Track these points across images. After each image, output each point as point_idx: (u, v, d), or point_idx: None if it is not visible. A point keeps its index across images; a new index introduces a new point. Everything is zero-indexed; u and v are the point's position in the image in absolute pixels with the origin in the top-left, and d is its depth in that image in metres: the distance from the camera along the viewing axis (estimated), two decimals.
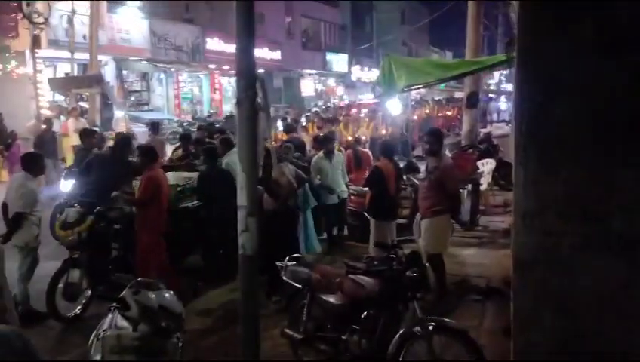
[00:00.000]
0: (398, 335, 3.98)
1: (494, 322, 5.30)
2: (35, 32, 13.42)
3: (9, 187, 5.98)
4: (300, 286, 4.64)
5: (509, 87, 29.16)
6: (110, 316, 3.61)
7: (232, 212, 6.25)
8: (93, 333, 3.63)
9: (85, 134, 7.55)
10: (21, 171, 6.07)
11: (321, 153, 8.00)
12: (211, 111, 25.15)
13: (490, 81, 30.50)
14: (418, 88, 11.99)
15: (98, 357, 3.26)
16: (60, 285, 5.63)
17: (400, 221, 7.34)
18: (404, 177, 7.71)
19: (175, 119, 22.26)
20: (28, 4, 13.24)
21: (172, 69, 23.62)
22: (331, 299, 4.38)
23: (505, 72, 26.26)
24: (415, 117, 19.45)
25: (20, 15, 13.70)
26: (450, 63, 11.09)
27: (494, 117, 25.55)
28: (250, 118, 3.66)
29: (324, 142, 8.17)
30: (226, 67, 25.98)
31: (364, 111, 19.75)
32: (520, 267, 2.78)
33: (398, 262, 4.17)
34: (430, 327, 3.94)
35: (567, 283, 2.62)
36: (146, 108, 23.19)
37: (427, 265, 4.23)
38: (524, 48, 2.76)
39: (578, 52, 2.52)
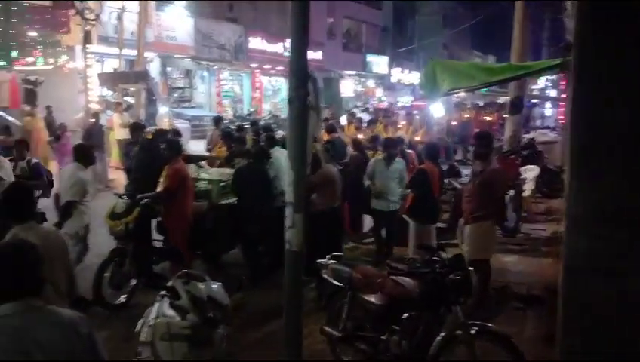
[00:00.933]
0: (439, 338, 3.97)
1: (535, 330, 5.23)
2: (87, 28, 13.86)
3: (61, 178, 6.23)
4: (340, 284, 4.68)
5: (555, 92, 28.54)
6: (157, 304, 3.72)
7: (269, 208, 6.42)
8: (141, 320, 3.76)
9: (135, 128, 7.75)
10: (72, 162, 6.32)
11: (380, 156, 7.63)
12: (251, 109, 25.45)
13: (534, 87, 29.86)
14: (461, 92, 11.89)
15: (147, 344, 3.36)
16: (107, 274, 5.82)
17: (439, 225, 7.30)
18: (446, 181, 7.66)
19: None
20: (81, 1, 13.68)
21: (215, 67, 23.99)
22: (372, 298, 4.40)
23: (551, 78, 25.71)
24: (454, 122, 19.25)
25: (73, 11, 14.17)
26: (496, 67, 10.96)
27: (538, 123, 25.06)
28: (300, 117, 3.72)
29: (388, 146, 7.62)
30: (267, 66, 26.25)
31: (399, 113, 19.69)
32: (569, 272, 2.77)
33: (441, 265, 4.16)
34: (472, 332, 3.92)
35: (616, 288, 2.60)
36: (187, 104, 23.65)
37: (471, 269, 4.18)
38: (582, 53, 2.74)
39: None
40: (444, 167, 8.76)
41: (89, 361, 2.10)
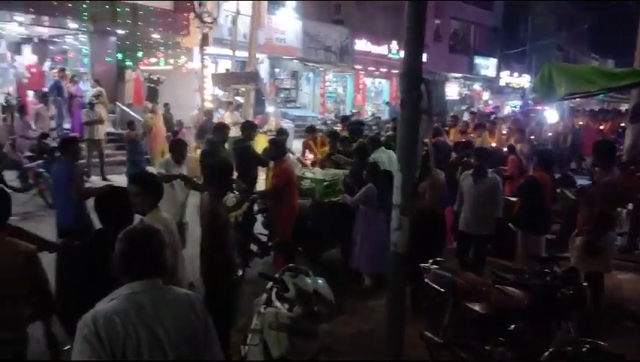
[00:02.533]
0: (547, 353, 3.80)
1: None
2: (205, 31, 14.67)
3: (157, 169, 6.58)
4: (442, 290, 4.62)
5: None
6: (266, 295, 3.90)
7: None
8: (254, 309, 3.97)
9: (246, 127, 8.10)
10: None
11: (469, 171, 6.57)
12: (354, 110, 25.66)
13: None
14: (578, 97, 11.22)
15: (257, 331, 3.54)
16: None
17: (550, 236, 6.95)
18: (558, 190, 7.27)
19: (319, 117, 23.08)
20: (200, 5, 14.53)
21: (320, 69, 24.47)
22: (476, 307, 4.30)
23: None
24: (566, 129, 18.12)
25: (193, 15, 15.10)
26: (618, 72, 10.16)
27: None
28: (412, 120, 3.74)
29: (479, 157, 6.52)
30: (371, 68, 26.36)
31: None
32: None
33: (552, 277, 3.99)
34: (584, 349, 3.72)
35: None
36: (292, 105, 24.34)
37: (585, 284, 3.97)
38: None
39: None
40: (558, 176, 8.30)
41: (204, 337, 2.26)
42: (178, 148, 6.50)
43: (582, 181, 8.22)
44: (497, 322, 4.13)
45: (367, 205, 6.50)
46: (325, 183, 7.41)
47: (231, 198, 6.35)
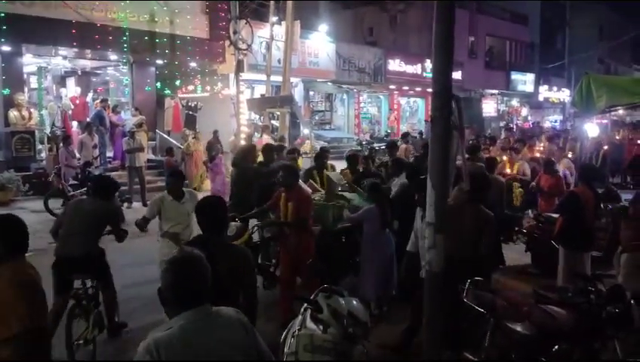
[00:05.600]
0: None
1: None
2: (239, 58, 14.98)
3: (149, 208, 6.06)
4: (482, 310, 4.49)
5: None
6: (301, 317, 3.88)
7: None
8: (285, 331, 3.95)
9: (265, 150, 8.04)
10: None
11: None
12: (388, 131, 25.67)
13: None
14: (619, 109, 10.91)
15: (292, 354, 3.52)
16: None
17: (594, 253, 6.70)
18: (602, 206, 7.03)
19: (354, 138, 23.13)
20: (235, 32, 14.87)
21: (354, 90, 24.59)
22: (518, 327, 4.16)
23: None
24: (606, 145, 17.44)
25: (228, 42, 15.46)
26: None
27: None
28: (443, 137, 3.70)
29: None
30: (405, 87, 26.34)
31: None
32: None
33: (597, 296, 3.83)
34: None
35: None
36: (328, 127, 24.51)
37: (632, 302, 3.80)
38: None
39: None
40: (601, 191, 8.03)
41: (256, 349, 2.30)
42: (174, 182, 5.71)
43: (628, 196, 7.93)
44: (540, 343, 3.99)
45: (368, 226, 6.16)
46: (335, 209, 6.81)
47: (231, 227, 5.92)
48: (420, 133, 21.74)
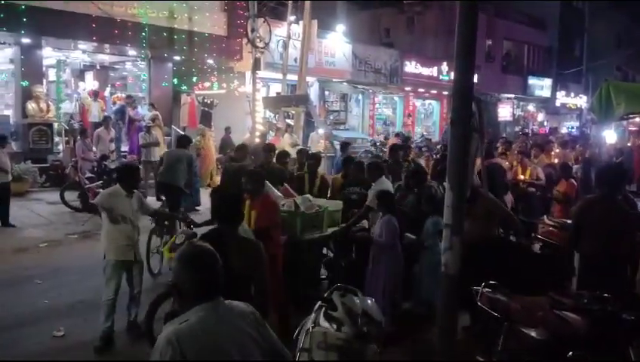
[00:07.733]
0: None
1: None
2: (257, 56, 15.04)
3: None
4: (496, 314, 4.47)
5: None
6: (314, 314, 3.88)
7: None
8: (298, 329, 3.96)
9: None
10: None
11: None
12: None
13: None
14: (637, 117, 10.80)
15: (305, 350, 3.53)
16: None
17: None
18: None
19: (369, 138, 23.08)
20: (252, 30, 14.93)
21: (370, 91, 24.55)
22: (532, 332, 4.14)
23: None
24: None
25: (245, 40, 15.52)
26: None
27: None
28: (462, 138, 3.69)
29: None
30: (421, 89, 26.25)
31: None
32: None
33: (613, 302, 3.80)
34: None
35: None
36: (342, 127, 24.46)
37: None
38: None
39: None
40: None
41: (269, 342, 2.31)
42: (127, 175, 5.61)
43: None
44: (555, 349, 3.97)
45: (388, 237, 5.77)
46: (304, 217, 6.19)
47: (180, 235, 5.65)
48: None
